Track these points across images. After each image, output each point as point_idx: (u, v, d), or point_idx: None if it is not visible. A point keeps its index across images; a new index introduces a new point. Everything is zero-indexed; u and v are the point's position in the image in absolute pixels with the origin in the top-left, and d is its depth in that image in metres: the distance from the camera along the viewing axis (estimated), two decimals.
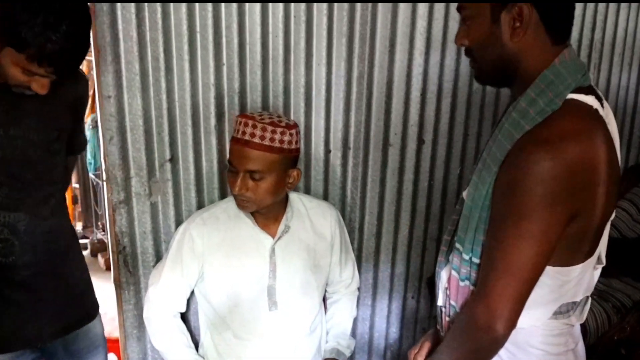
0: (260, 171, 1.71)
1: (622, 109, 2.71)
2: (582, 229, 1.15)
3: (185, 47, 1.90)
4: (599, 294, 2.44)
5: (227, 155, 2.01)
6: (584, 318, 1.31)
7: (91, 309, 1.85)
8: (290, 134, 1.73)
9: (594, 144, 1.12)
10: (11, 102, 1.51)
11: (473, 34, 1.23)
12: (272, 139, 1.69)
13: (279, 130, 1.70)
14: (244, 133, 1.70)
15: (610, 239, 2.53)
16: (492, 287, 1.11)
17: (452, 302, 1.31)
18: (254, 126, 1.69)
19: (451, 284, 1.30)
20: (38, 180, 1.61)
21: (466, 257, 1.23)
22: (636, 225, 2.63)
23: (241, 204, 1.78)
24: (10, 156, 1.53)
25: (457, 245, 1.27)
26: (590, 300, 1.33)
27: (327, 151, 2.19)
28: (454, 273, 1.29)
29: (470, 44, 1.24)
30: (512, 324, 1.12)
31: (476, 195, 1.20)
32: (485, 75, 1.29)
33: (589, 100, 1.16)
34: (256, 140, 1.69)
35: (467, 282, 1.25)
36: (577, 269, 1.20)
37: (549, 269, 1.15)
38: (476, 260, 1.21)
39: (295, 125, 1.77)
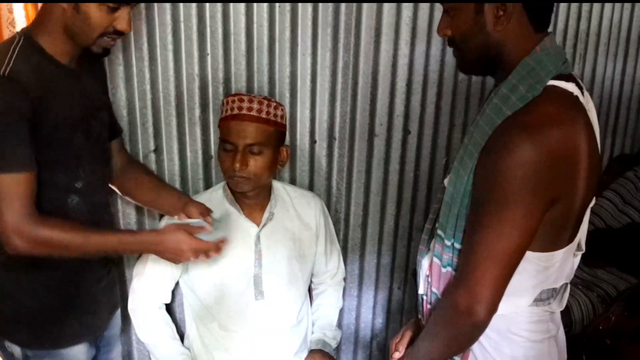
0: (260, 143, 1.74)
1: (608, 100, 2.71)
2: (562, 215, 1.16)
3: (169, 37, 1.89)
4: (584, 284, 2.45)
5: (212, 146, 2.02)
6: (564, 305, 1.32)
7: (118, 295, 1.88)
8: (281, 109, 1.81)
9: (574, 130, 1.13)
10: (75, 81, 1.50)
11: (456, 24, 1.23)
12: (267, 112, 1.75)
13: (272, 104, 1.77)
14: (240, 108, 1.73)
15: (596, 229, 2.55)
16: (472, 272, 1.12)
17: (434, 290, 1.31)
18: (250, 100, 1.74)
19: (433, 271, 1.31)
20: (105, 162, 1.66)
21: (448, 243, 1.24)
22: (621, 215, 2.64)
23: (239, 183, 1.77)
24: (93, 138, 1.55)
25: (439, 232, 1.27)
26: (569, 287, 1.34)
27: (313, 142, 2.18)
28: (435, 260, 1.29)
29: (454, 34, 1.25)
30: (492, 308, 1.12)
31: (458, 181, 1.21)
32: (469, 64, 1.29)
33: (570, 87, 1.17)
34: (253, 113, 1.73)
35: (449, 269, 1.26)
36: (557, 254, 1.20)
37: (529, 255, 1.16)
38: (458, 246, 1.22)
39: (282, 104, 1.84)
